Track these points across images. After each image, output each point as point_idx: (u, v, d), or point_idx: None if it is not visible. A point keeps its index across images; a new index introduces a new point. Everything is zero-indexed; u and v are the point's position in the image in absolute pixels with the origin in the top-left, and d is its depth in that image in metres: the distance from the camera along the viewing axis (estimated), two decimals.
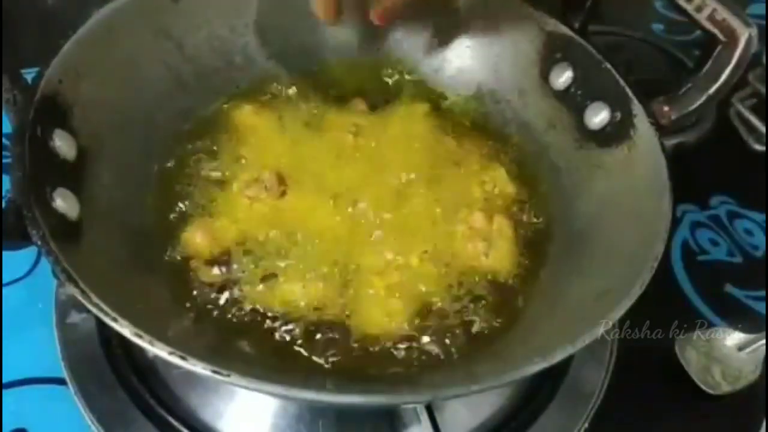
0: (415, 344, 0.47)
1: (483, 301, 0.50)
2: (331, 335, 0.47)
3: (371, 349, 0.47)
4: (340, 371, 0.46)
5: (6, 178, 0.64)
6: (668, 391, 0.59)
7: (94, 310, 0.37)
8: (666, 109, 0.53)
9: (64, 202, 0.43)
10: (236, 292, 0.49)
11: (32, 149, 0.43)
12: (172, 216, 0.53)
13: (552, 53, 0.59)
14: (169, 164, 0.56)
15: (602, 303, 0.42)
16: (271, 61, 0.64)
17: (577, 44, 0.58)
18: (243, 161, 0.57)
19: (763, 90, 0.82)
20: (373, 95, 0.64)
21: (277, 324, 0.48)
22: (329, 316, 0.48)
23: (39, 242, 0.39)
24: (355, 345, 0.47)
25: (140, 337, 0.36)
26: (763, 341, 0.60)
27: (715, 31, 0.50)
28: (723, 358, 0.60)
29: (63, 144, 0.46)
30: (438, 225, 0.53)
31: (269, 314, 0.48)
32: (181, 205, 0.53)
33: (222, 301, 0.48)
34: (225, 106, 0.61)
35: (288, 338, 0.47)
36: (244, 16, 0.62)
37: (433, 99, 0.64)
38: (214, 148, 0.58)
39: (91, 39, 0.52)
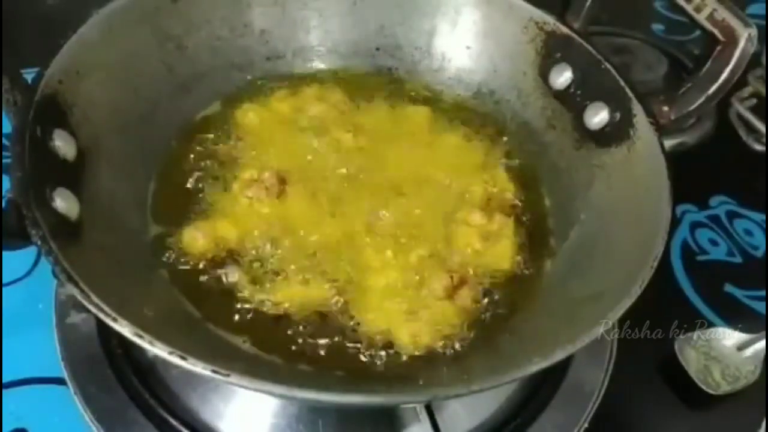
0: (414, 343, 0.47)
1: (482, 300, 0.50)
2: (331, 334, 0.47)
3: (371, 348, 0.47)
4: (339, 370, 0.46)
5: (6, 178, 0.64)
6: (668, 391, 0.59)
7: (94, 310, 0.37)
8: (666, 109, 0.53)
9: (64, 202, 0.43)
10: (236, 291, 0.49)
11: (32, 149, 0.43)
12: (172, 216, 0.53)
13: (552, 53, 0.59)
14: (168, 164, 0.56)
15: (602, 302, 0.42)
16: (270, 61, 0.64)
17: (577, 44, 0.58)
18: (243, 161, 0.57)
19: (763, 90, 0.82)
20: (373, 96, 0.64)
21: (276, 323, 0.48)
22: (329, 315, 0.48)
23: (39, 242, 0.39)
24: (355, 344, 0.47)
25: (140, 337, 0.36)
26: (763, 341, 0.60)
27: (715, 31, 0.50)
28: (723, 358, 0.60)
29: (63, 144, 0.46)
30: (438, 224, 0.53)
31: (269, 314, 0.48)
32: (181, 205, 0.53)
33: (222, 301, 0.48)
34: (224, 106, 0.61)
35: (288, 338, 0.47)
36: (243, 16, 0.63)
37: (433, 99, 0.65)
38: (214, 148, 0.58)
39: (91, 39, 0.52)
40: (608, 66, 0.55)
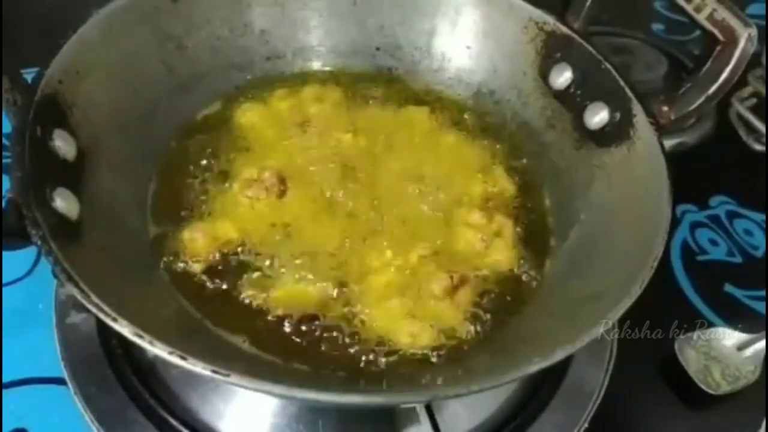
0: (414, 343, 0.47)
1: (482, 300, 0.50)
2: (331, 334, 0.47)
3: (371, 348, 0.47)
4: (340, 371, 0.46)
5: (6, 178, 0.64)
6: (668, 391, 0.59)
7: (94, 310, 0.37)
8: (666, 109, 0.53)
9: (64, 202, 0.43)
10: (236, 291, 0.49)
11: (32, 149, 0.43)
12: (172, 216, 0.53)
13: (552, 53, 0.59)
14: (168, 164, 0.56)
15: (602, 302, 0.42)
16: (270, 61, 0.64)
17: (577, 44, 0.58)
18: (243, 161, 0.57)
19: (763, 90, 0.82)
20: (373, 96, 0.64)
21: (277, 323, 0.48)
22: (329, 316, 0.48)
23: (39, 242, 0.39)
24: (355, 344, 0.47)
25: (140, 337, 0.36)
26: (763, 341, 0.60)
27: (715, 31, 0.50)
28: (723, 358, 0.60)
29: (63, 144, 0.46)
30: (438, 224, 0.53)
31: (270, 314, 0.48)
32: (181, 205, 0.53)
33: (222, 301, 0.48)
34: (224, 106, 0.61)
35: (288, 338, 0.47)
36: (243, 16, 0.63)
37: (433, 99, 0.64)
38: (214, 148, 0.58)
39: (91, 39, 0.52)
40: (608, 66, 0.55)
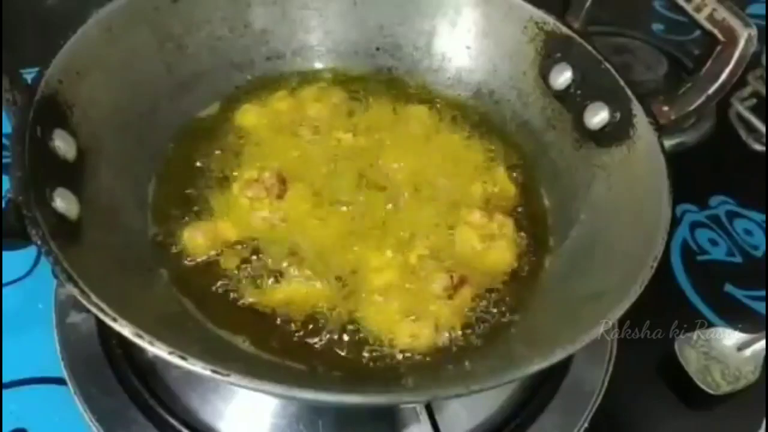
0: (414, 343, 0.47)
1: (482, 300, 0.50)
2: (330, 334, 0.47)
3: (371, 347, 0.47)
4: (340, 370, 0.46)
5: (6, 178, 0.64)
6: (668, 391, 0.59)
7: (94, 310, 0.37)
8: (666, 109, 0.53)
9: (64, 202, 0.43)
10: (236, 291, 0.49)
11: (32, 149, 0.43)
12: (172, 216, 0.53)
13: (552, 53, 0.59)
14: (168, 164, 0.56)
15: (602, 302, 0.42)
16: (270, 61, 0.65)
17: (577, 44, 0.58)
18: (243, 161, 0.57)
19: (762, 90, 0.82)
20: (373, 96, 0.64)
21: (277, 323, 0.48)
22: (329, 316, 0.48)
23: (39, 242, 0.39)
24: (355, 344, 0.47)
25: (140, 337, 0.36)
26: (763, 341, 0.60)
27: (715, 31, 0.50)
28: (723, 358, 0.60)
29: (63, 144, 0.46)
30: (438, 224, 0.53)
31: (269, 314, 0.48)
32: (181, 204, 0.53)
33: (222, 301, 0.48)
34: (224, 106, 0.61)
35: (288, 338, 0.47)
36: (243, 16, 0.63)
37: (433, 99, 0.64)
38: (214, 148, 0.58)
39: (91, 39, 0.52)
40: (608, 66, 0.55)
